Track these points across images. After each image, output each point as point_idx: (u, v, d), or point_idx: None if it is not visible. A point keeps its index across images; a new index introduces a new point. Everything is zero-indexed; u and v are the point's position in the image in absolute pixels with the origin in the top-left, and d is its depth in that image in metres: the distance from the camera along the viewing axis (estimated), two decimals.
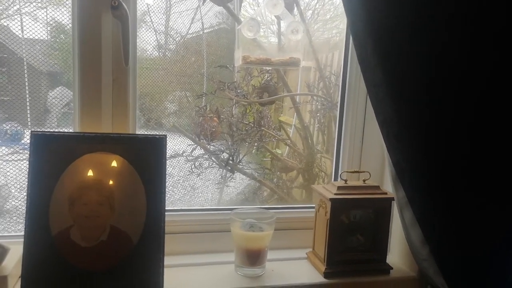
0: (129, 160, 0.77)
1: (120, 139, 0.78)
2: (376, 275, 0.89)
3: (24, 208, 0.73)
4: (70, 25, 0.83)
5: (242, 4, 1.10)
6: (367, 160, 1.02)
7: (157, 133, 0.80)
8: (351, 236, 0.90)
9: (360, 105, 1.01)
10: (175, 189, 1.18)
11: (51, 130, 0.78)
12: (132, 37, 0.82)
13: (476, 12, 0.62)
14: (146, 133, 1.02)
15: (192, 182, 1.18)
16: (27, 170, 0.73)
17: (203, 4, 1.09)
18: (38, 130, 0.74)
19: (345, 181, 0.90)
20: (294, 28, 0.99)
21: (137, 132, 0.90)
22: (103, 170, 0.76)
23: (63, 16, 0.92)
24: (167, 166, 0.80)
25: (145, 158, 0.78)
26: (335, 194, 0.86)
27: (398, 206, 0.83)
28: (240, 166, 1.18)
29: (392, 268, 0.90)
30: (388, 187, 0.90)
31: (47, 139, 0.74)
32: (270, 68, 1.11)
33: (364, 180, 0.92)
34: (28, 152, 0.74)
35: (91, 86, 0.81)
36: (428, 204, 0.72)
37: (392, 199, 0.87)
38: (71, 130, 0.86)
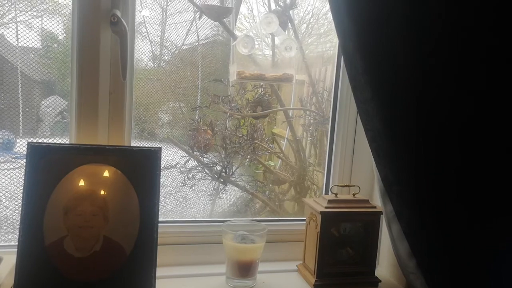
0: (124, 171, 0.78)
1: (115, 151, 0.80)
2: (364, 287, 0.91)
3: (14, 217, 0.73)
4: (65, 34, 0.84)
5: (238, 17, 1.12)
6: (357, 174, 1.04)
7: (152, 146, 0.81)
8: (341, 249, 0.92)
9: (351, 120, 1.04)
10: (167, 200, 1.19)
11: (48, 142, 0.78)
12: (130, 51, 0.84)
13: (465, 29, 0.64)
14: (139, 143, 1.03)
15: (185, 193, 1.18)
16: (22, 180, 0.74)
17: (199, 19, 1.11)
18: (35, 141, 0.75)
19: (336, 194, 0.92)
20: (287, 45, 1.02)
21: (131, 143, 0.91)
22: (97, 181, 0.77)
23: (58, 25, 0.93)
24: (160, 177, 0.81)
25: (139, 170, 0.79)
26: (326, 207, 0.88)
27: (386, 219, 0.85)
28: (233, 178, 1.19)
29: (380, 281, 0.92)
30: (377, 201, 0.92)
31: (43, 150, 0.75)
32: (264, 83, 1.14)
33: (354, 194, 0.94)
34: (20, 161, 0.74)
35: (88, 99, 0.82)
36: (415, 218, 0.73)
37: (381, 213, 0.89)
38: (64, 139, 0.87)
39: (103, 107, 0.83)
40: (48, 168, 0.75)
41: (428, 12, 0.65)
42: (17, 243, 0.72)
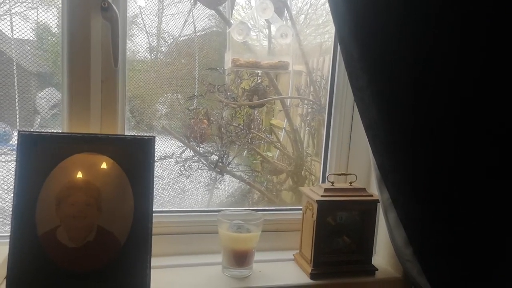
0: (117, 161, 0.77)
1: (108, 140, 0.79)
2: (361, 276, 0.90)
3: (11, 209, 0.73)
4: (60, 25, 0.83)
5: (235, 8, 1.11)
6: (354, 163, 1.03)
7: (146, 134, 0.80)
8: (337, 237, 0.91)
9: (348, 109, 1.03)
10: (165, 191, 1.18)
11: (39, 130, 0.77)
12: (122, 38, 0.83)
13: (463, 14, 0.63)
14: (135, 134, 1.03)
15: (182, 185, 1.18)
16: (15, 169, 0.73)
17: (194, 7, 1.09)
18: (26, 130, 0.74)
19: (332, 183, 0.91)
20: (283, 32, 1.00)
21: (127, 134, 0.90)
22: (90, 170, 0.77)
23: (53, 17, 0.92)
24: (157, 168, 0.80)
25: (133, 159, 0.78)
26: (322, 196, 0.87)
27: (382, 207, 0.85)
28: (230, 168, 1.18)
29: (377, 269, 0.91)
30: (374, 189, 0.91)
31: (34, 139, 0.74)
32: (260, 71, 1.12)
33: (350, 183, 0.93)
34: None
35: (80, 87, 0.81)
36: (411, 205, 0.73)
37: (378, 201, 0.88)
38: (59, 131, 0.86)
39: (95, 96, 0.82)
40: (39, 157, 0.74)
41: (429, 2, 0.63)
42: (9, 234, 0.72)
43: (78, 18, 0.79)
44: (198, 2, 1.06)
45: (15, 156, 0.74)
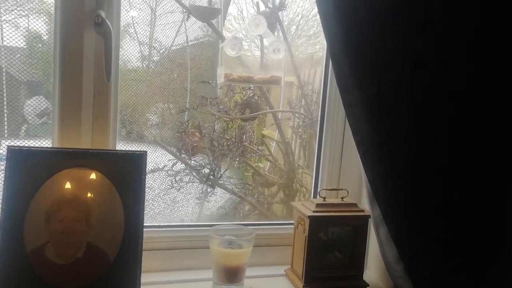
0: (108, 176, 0.77)
1: (99, 155, 0.78)
2: None
3: None
4: (52, 34, 0.83)
5: (228, 18, 1.11)
6: (346, 177, 1.04)
7: (137, 150, 0.80)
8: (329, 253, 0.91)
9: (339, 123, 1.03)
10: (155, 203, 1.17)
11: (28, 146, 0.76)
12: (115, 52, 0.82)
13: (453, 29, 0.63)
14: (126, 145, 1.02)
15: (173, 196, 1.17)
16: (2, 184, 0.72)
17: (187, 20, 1.10)
18: (15, 145, 0.73)
19: (324, 198, 0.92)
20: (275, 47, 1.01)
21: (118, 144, 0.89)
22: (81, 186, 0.76)
23: (44, 25, 0.91)
24: (147, 179, 0.80)
25: (124, 175, 0.78)
26: (314, 211, 0.87)
27: (373, 223, 0.85)
28: (221, 181, 1.18)
29: (368, 285, 0.91)
30: (365, 204, 0.92)
31: (24, 154, 0.73)
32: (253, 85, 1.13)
33: (342, 198, 0.93)
34: (4, 164, 0.72)
35: (71, 101, 0.81)
36: (402, 222, 0.73)
37: (369, 216, 0.89)
38: (49, 142, 0.85)
39: (87, 110, 0.82)
40: (29, 173, 0.73)
41: (418, 15, 0.64)
42: None
43: (71, 32, 0.78)
44: (190, 15, 1.06)
45: (1, 167, 0.73)
